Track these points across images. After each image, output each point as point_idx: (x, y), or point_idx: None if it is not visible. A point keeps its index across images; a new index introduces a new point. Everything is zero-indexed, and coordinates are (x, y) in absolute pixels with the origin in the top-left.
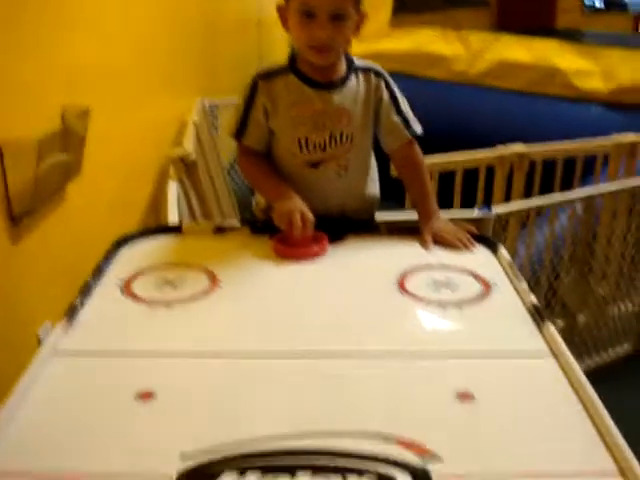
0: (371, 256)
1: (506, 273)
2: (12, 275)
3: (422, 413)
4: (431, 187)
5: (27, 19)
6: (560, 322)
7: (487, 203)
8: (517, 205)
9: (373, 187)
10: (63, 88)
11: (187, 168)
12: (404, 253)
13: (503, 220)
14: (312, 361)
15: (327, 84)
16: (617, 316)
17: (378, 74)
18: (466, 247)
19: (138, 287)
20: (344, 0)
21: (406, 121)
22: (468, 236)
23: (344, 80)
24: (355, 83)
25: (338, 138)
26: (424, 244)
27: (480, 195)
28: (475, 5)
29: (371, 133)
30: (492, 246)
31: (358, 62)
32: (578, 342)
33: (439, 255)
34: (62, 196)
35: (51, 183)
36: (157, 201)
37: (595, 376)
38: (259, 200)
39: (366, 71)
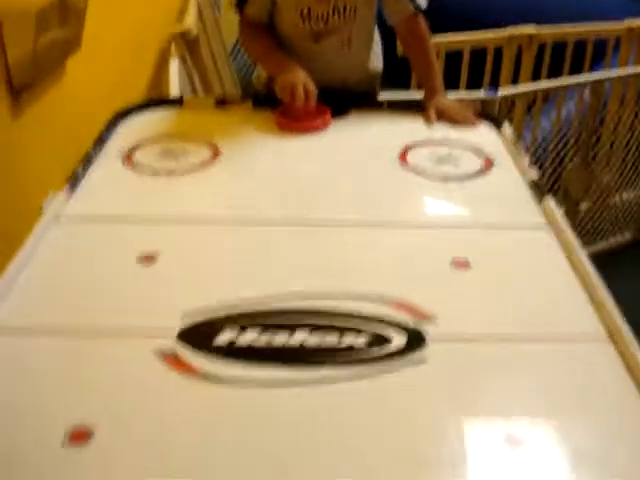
0: (374, 130)
1: (508, 150)
2: (14, 149)
3: (419, 278)
4: (437, 63)
5: None
6: (562, 209)
7: (494, 85)
8: (524, 87)
9: (377, 61)
10: None
11: (189, 45)
12: (407, 128)
13: (509, 102)
14: (312, 228)
15: None
16: (619, 204)
17: None
18: (470, 123)
19: (140, 157)
20: None
21: None
22: (471, 113)
23: None
24: None
25: (341, 10)
26: (427, 119)
27: (487, 76)
28: None
29: (375, 6)
30: (496, 123)
31: None
32: (580, 229)
33: (442, 130)
34: (62, 71)
35: (51, 57)
36: (158, 79)
37: (596, 263)
38: (260, 73)
39: None
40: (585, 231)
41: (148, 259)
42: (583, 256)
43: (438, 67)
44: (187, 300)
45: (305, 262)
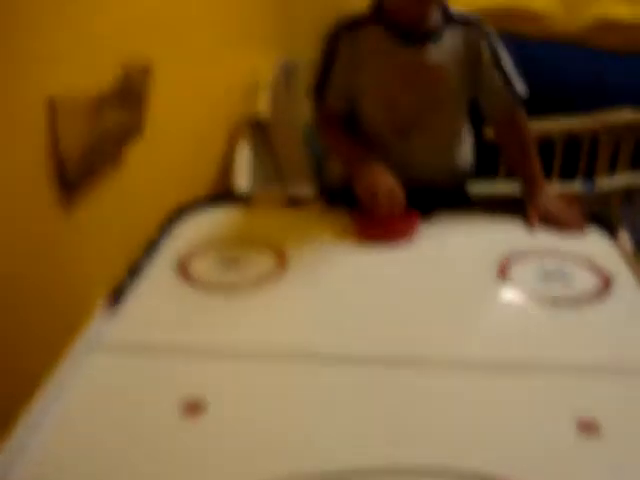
0: (466, 237)
1: (627, 263)
2: (66, 246)
3: (532, 448)
4: (535, 154)
5: None
6: None
7: (590, 175)
8: (623, 179)
9: (466, 156)
10: (124, 40)
11: (260, 130)
12: (506, 234)
13: (606, 195)
14: (392, 371)
15: (419, 37)
16: None
17: (479, 27)
18: (578, 228)
19: (195, 268)
20: None
21: (509, 82)
22: (580, 216)
23: (439, 33)
24: (452, 37)
25: (429, 100)
26: (530, 223)
27: (582, 166)
28: None
29: (467, 96)
30: (610, 228)
31: (456, 13)
32: None
33: (548, 239)
34: (121, 161)
35: (109, 145)
36: (227, 166)
37: None
38: (333, 167)
39: (465, 24)
40: None
41: (194, 408)
42: None
43: (537, 159)
44: (235, 469)
45: (383, 419)
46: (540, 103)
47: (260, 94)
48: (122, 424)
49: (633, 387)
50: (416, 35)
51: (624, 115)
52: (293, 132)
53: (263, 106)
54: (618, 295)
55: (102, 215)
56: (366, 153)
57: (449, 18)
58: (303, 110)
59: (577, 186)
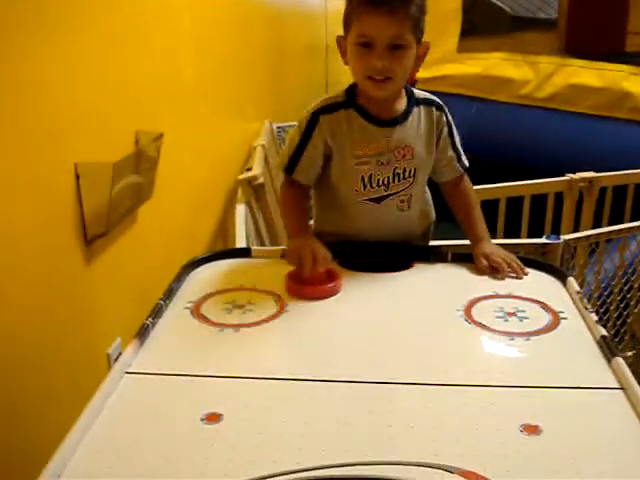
0: (437, 284)
1: (575, 304)
2: (84, 294)
3: (487, 445)
4: (480, 213)
5: (98, 47)
6: (629, 353)
7: (555, 231)
8: (586, 233)
9: (431, 213)
10: (135, 114)
11: (255, 191)
12: (471, 281)
13: (571, 248)
14: (373, 390)
15: (390, 120)
16: None
17: (440, 108)
18: (516, 272)
19: (207, 309)
20: (402, 28)
21: (459, 155)
22: (518, 261)
23: (406, 115)
24: (417, 117)
25: (401, 174)
26: (480, 267)
27: (548, 223)
28: (543, 28)
29: (431, 165)
30: (561, 276)
31: (419, 94)
32: None
33: (507, 284)
34: (134, 218)
35: (124, 205)
36: (225, 224)
37: None
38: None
39: (428, 104)
40: None
41: (212, 418)
42: None
43: (481, 216)
44: (245, 465)
45: (365, 424)
46: (509, 163)
47: (254, 158)
48: (151, 432)
49: (572, 400)
50: (387, 120)
51: (585, 175)
52: None
53: (257, 169)
54: (565, 329)
55: (118, 268)
56: (303, 224)
57: (413, 99)
58: None
59: (544, 239)
